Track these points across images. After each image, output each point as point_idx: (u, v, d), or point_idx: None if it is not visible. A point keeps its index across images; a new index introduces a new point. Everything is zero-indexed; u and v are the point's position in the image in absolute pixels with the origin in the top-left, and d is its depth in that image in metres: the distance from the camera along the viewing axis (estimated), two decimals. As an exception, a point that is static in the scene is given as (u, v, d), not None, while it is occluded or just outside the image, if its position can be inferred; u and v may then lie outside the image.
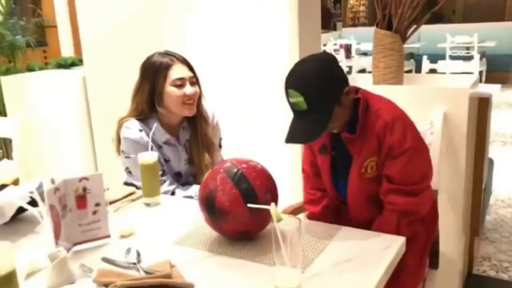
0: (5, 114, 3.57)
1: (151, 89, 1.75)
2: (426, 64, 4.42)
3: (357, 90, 1.41)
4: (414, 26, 2.19)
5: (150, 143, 1.64)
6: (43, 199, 1.45)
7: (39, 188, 1.46)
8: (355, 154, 1.43)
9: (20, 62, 3.96)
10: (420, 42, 7.75)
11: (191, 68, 1.79)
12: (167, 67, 1.74)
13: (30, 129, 3.18)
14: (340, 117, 1.38)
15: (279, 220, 1.05)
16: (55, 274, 1.10)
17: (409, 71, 5.94)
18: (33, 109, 3.23)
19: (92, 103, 3.00)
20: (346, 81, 1.38)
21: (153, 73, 1.74)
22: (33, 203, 1.49)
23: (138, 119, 1.78)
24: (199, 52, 2.39)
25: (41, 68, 4.09)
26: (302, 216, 1.62)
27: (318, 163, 1.55)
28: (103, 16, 2.80)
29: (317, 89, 1.30)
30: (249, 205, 1.17)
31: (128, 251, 1.24)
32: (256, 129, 2.36)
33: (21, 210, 1.47)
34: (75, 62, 4.34)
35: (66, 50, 6.50)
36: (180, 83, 1.73)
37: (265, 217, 1.26)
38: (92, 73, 2.93)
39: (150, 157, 1.59)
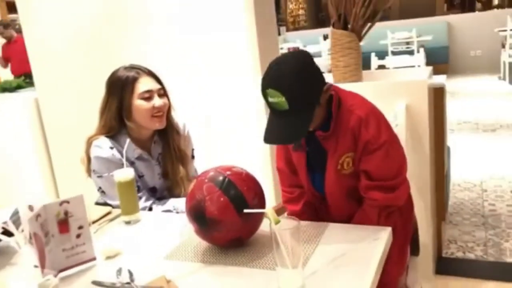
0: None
1: (119, 104, 1.71)
2: (374, 61, 4.60)
3: (330, 86, 1.41)
4: (369, 24, 2.27)
5: (124, 160, 1.60)
6: (17, 228, 1.39)
7: (13, 216, 1.40)
8: (330, 151, 1.44)
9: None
10: (363, 40, 8.00)
11: (158, 80, 1.76)
12: (134, 80, 1.71)
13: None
14: (319, 116, 1.37)
15: (277, 222, 1.05)
16: (48, 304, 1.05)
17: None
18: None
19: (47, 125, 2.88)
20: (323, 79, 1.37)
21: (119, 87, 1.71)
22: (5, 233, 1.42)
23: (108, 136, 1.73)
24: (160, 64, 2.36)
25: (-16, 93, 3.88)
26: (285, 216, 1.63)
27: (293, 160, 1.56)
28: (53, 36, 2.70)
29: (299, 89, 1.28)
30: (245, 210, 1.17)
31: (119, 271, 1.21)
32: (225, 135, 2.36)
33: (-6, 242, 1.40)
34: (21, 85, 4.16)
35: (3, 73, 6.22)
36: (148, 96, 1.71)
37: (256, 221, 1.27)
38: (45, 95, 2.83)
39: (127, 174, 1.55)
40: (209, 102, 2.36)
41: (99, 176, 1.72)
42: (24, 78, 4.34)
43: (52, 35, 2.69)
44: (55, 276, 1.21)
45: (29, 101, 2.95)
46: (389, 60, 4.58)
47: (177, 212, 1.72)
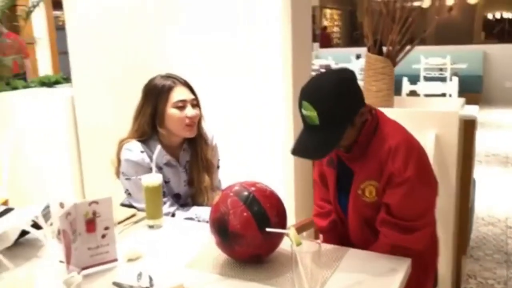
0: (-13, 134, 3.49)
1: (153, 110, 1.77)
2: (406, 86, 4.56)
3: (370, 110, 1.40)
4: (406, 49, 2.27)
5: (154, 166, 1.64)
6: (46, 221, 1.44)
7: (44, 210, 1.45)
8: (355, 173, 1.43)
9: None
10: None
11: (192, 91, 1.81)
12: (169, 89, 1.76)
13: (14, 148, 3.12)
14: (349, 137, 1.36)
15: (298, 244, 1.07)
16: (71, 300, 1.09)
17: (387, 92, 6.11)
18: (17, 128, 3.17)
19: (80, 123, 2.97)
20: (362, 101, 1.36)
21: (155, 95, 1.76)
22: (35, 226, 1.47)
23: (139, 141, 1.79)
24: (192, 72, 2.42)
25: (24, 86, 4.02)
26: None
27: (326, 175, 1.56)
28: (94, 35, 2.79)
29: (332, 107, 1.28)
30: (268, 229, 1.19)
31: (140, 275, 1.24)
32: (253, 146, 2.39)
33: (23, 233, 1.45)
34: (59, 80, 4.29)
35: (45, 68, 6.43)
36: (181, 105, 1.76)
37: (277, 239, 1.29)
38: (81, 93, 2.92)
39: (155, 179, 1.59)
40: (237, 111, 2.40)
41: (127, 179, 1.77)
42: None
43: (93, 35, 2.78)
44: (79, 273, 1.25)
45: (65, 98, 3.04)
46: (421, 86, 4.54)
47: (199, 221, 1.75)
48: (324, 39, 12.53)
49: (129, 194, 1.80)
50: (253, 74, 2.36)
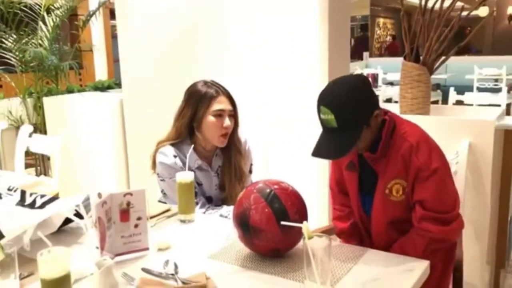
0: (45, 132, 3.76)
1: (193, 114, 1.85)
2: (452, 96, 4.47)
3: (385, 112, 1.47)
4: (442, 59, 2.27)
5: (186, 168, 1.74)
6: (87, 212, 1.57)
7: (85, 201, 1.58)
8: (380, 174, 1.48)
9: (60, 84, 4.19)
10: (447, 73, 7.78)
11: (232, 103, 1.88)
12: (212, 97, 1.84)
13: (68, 147, 3.35)
14: (366, 138, 1.43)
15: (310, 237, 1.12)
16: (101, 281, 1.19)
17: (436, 102, 5.97)
18: (72, 128, 3.40)
19: (128, 125, 3.15)
20: (377, 104, 1.44)
21: (197, 100, 1.85)
22: (77, 215, 1.60)
23: (174, 144, 1.88)
24: (232, 79, 2.52)
25: (79, 90, 4.30)
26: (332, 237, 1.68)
27: (345, 180, 1.61)
28: (143, 43, 2.96)
29: (348, 110, 1.37)
30: (282, 222, 1.25)
31: (166, 263, 1.33)
32: (284, 149, 2.45)
33: (67, 221, 1.58)
34: (111, 85, 4.56)
35: (100, 73, 6.79)
36: (220, 114, 1.83)
37: (296, 236, 1.34)
38: (130, 97, 3.09)
39: (187, 176, 1.69)
40: (272, 115, 2.47)
41: (162, 180, 1.88)
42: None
43: (142, 44, 2.95)
44: (112, 258, 1.36)
45: (115, 101, 3.23)
46: (468, 96, 4.43)
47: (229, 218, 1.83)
48: (394, 48, 12.36)
49: (164, 194, 1.91)
50: (291, 82, 2.43)
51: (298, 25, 2.37)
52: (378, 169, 1.49)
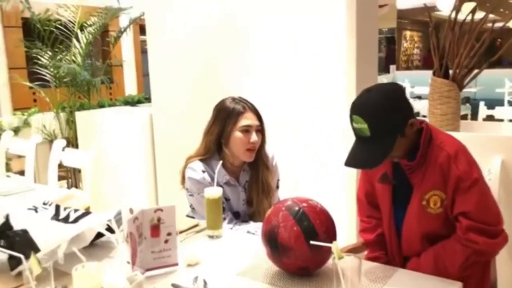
0: (77, 146, 3.87)
1: (221, 130, 1.89)
2: (482, 110, 4.38)
3: (421, 122, 1.45)
4: (472, 74, 2.24)
5: (214, 183, 1.76)
6: (119, 227, 1.60)
7: (116, 216, 1.61)
8: (416, 185, 1.45)
9: (92, 98, 4.31)
10: (477, 86, 7.64)
11: (259, 118, 1.91)
12: (239, 113, 1.87)
13: (98, 161, 3.43)
14: (401, 147, 1.41)
15: (340, 258, 1.12)
16: (132, 295, 1.22)
17: (465, 116, 5.88)
18: (102, 142, 3.49)
19: (157, 139, 3.21)
20: (411, 113, 1.41)
21: (225, 116, 1.88)
22: (109, 230, 1.63)
23: (202, 160, 1.92)
24: (258, 96, 2.55)
25: (110, 105, 4.41)
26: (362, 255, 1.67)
27: (376, 192, 1.59)
28: (172, 58, 3.03)
29: (382, 119, 1.35)
30: (312, 242, 1.25)
31: (196, 279, 1.34)
32: (313, 167, 2.45)
33: (99, 235, 1.62)
34: (140, 100, 4.66)
35: (130, 88, 6.95)
36: (247, 129, 1.86)
37: (325, 254, 1.34)
38: (159, 112, 3.15)
39: (216, 192, 1.71)
40: (301, 135, 2.48)
41: (191, 195, 1.92)
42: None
43: (171, 58, 3.02)
44: (142, 273, 1.39)
45: (145, 116, 3.30)
46: (499, 111, 4.33)
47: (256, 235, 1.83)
48: (430, 62, 12.28)
49: (193, 209, 1.94)
50: (319, 98, 2.44)
51: (326, 39, 2.39)
52: (414, 180, 1.46)
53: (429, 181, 1.43)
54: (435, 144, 1.43)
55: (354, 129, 1.40)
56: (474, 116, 5.11)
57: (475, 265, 1.46)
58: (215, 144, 1.91)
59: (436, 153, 1.41)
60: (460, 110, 2.30)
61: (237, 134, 1.86)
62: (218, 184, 1.86)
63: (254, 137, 1.86)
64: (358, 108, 1.38)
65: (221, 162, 1.85)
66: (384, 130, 1.36)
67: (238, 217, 1.96)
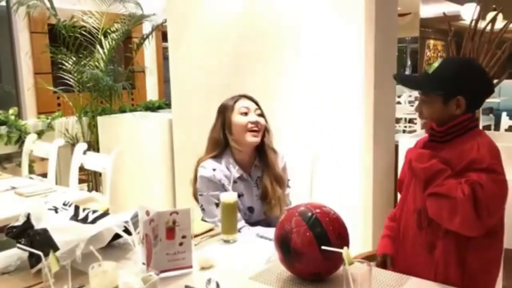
0: (98, 150, 3.94)
1: (223, 121, 1.97)
2: (505, 121, 4.31)
3: (473, 116, 1.48)
4: (495, 82, 2.22)
5: (227, 180, 1.81)
6: (135, 229, 1.63)
7: (133, 218, 1.65)
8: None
9: (114, 103, 4.40)
10: (500, 97, 7.52)
11: (256, 103, 2.00)
12: (235, 101, 1.98)
13: (119, 164, 3.49)
14: (437, 110, 1.46)
15: (350, 263, 1.13)
16: (146, 296, 1.24)
17: (488, 127, 5.78)
18: (123, 146, 3.55)
19: (176, 144, 3.25)
20: (469, 98, 1.44)
21: (224, 109, 1.99)
22: (126, 231, 1.67)
23: (213, 158, 1.96)
24: (279, 101, 2.57)
25: (131, 110, 4.49)
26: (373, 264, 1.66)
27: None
28: (192, 65, 3.08)
29: (450, 72, 1.44)
30: (323, 247, 1.26)
31: (209, 281, 1.36)
32: (329, 174, 2.46)
33: (116, 236, 1.65)
34: (161, 105, 4.72)
35: (152, 94, 7.04)
36: (245, 111, 1.94)
37: (337, 261, 1.34)
38: (178, 117, 3.20)
39: (231, 197, 1.73)
40: (317, 135, 2.50)
41: (201, 195, 1.96)
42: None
43: (192, 65, 3.07)
44: (157, 274, 1.41)
45: (165, 121, 3.36)
46: (522, 122, 4.27)
47: (261, 237, 1.84)
48: None
49: (203, 209, 1.97)
50: (335, 104, 2.46)
51: (346, 53, 2.40)
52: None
53: (444, 157, 1.43)
54: (470, 136, 1.45)
55: (424, 69, 1.51)
56: (498, 127, 5.03)
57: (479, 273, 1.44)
58: (221, 137, 1.97)
59: (468, 139, 1.44)
60: (480, 119, 2.28)
61: (237, 117, 1.94)
62: (231, 180, 1.87)
63: (253, 117, 1.93)
64: (447, 58, 1.53)
65: (232, 160, 1.92)
66: (441, 80, 1.43)
67: (252, 212, 1.99)
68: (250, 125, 1.92)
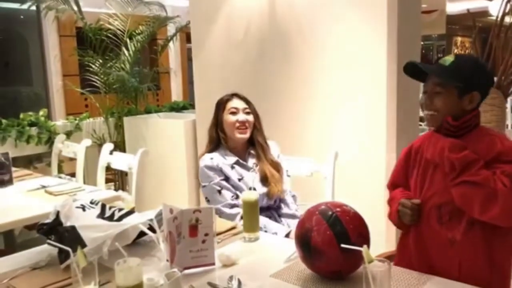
0: (124, 150, 4.03)
1: (215, 120, 2.15)
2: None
3: (479, 114, 1.51)
4: (518, 82, 2.18)
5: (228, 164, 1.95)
6: (160, 227, 1.67)
7: (158, 216, 1.69)
8: None
9: (139, 104, 4.48)
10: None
11: (247, 102, 2.15)
12: (227, 100, 2.15)
13: (144, 164, 3.56)
14: (448, 104, 1.47)
15: (370, 261, 1.13)
16: (170, 291, 1.27)
17: None
18: (148, 146, 3.62)
19: (200, 144, 3.30)
20: (482, 94, 1.48)
21: (217, 107, 2.17)
22: (151, 229, 1.71)
23: (210, 152, 2.11)
24: (301, 100, 2.58)
25: (156, 111, 4.56)
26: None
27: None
28: (215, 66, 3.12)
29: (464, 68, 1.46)
30: (342, 245, 1.27)
31: (231, 278, 1.39)
32: (353, 174, 2.46)
33: (141, 234, 1.69)
34: (185, 106, 4.78)
35: (176, 95, 7.14)
36: (234, 111, 2.10)
37: (357, 259, 1.35)
38: (202, 117, 3.25)
39: (252, 195, 1.75)
40: (340, 134, 2.50)
41: (203, 186, 2.07)
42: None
43: (215, 66, 3.10)
44: (180, 271, 1.45)
45: (189, 121, 3.41)
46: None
47: (265, 231, 1.93)
48: None
49: (208, 200, 2.08)
50: (359, 104, 2.45)
51: (367, 46, 2.40)
52: None
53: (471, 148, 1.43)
54: (481, 131, 1.48)
55: (438, 62, 1.50)
56: None
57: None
58: (216, 134, 2.13)
59: (482, 134, 1.47)
60: (506, 118, 2.24)
61: (227, 117, 2.11)
62: (230, 165, 2.06)
63: (241, 116, 2.09)
64: (462, 55, 1.51)
65: (226, 150, 2.09)
66: (456, 75, 1.44)
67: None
68: (238, 124, 2.08)
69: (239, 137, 2.10)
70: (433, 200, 1.52)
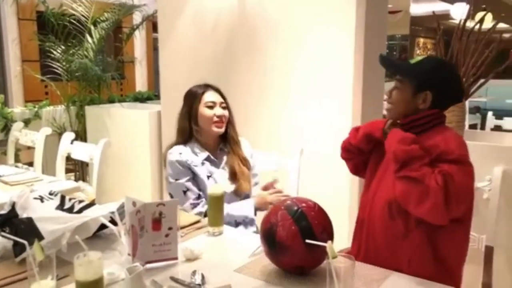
0: (85, 140, 3.92)
1: (189, 109, 2.07)
2: (490, 120, 4.38)
3: (443, 115, 1.55)
4: (478, 83, 2.25)
5: (197, 161, 1.91)
6: (121, 219, 1.63)
7: (120, 209, 1.65)
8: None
9: (102, 93, 4.37)
10: (487, 96, 7.61)
11: (222, 96, 2.11)
12: (203, 92, 2.08)
13: (106, 155, 3.48)
14: (405, 101, 1.53)
15: (334, 257, 1.14)
16: (131, 286, 1.25)
17: (474, 125, 5.85)
18: (110, 136, 3.54)
19: (164, 136, 3.25)
20: (439, 97, 1.52)
21: (191, 97, 2.09)
22: (112, 222, 1.67)
23: (180, 145, 2.06)
24: (268, 96, 2.57)
25: (120, 100, 4.46)
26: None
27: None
28: (182, 57, 3.07)
29: (427, 68, 1.52)
30: (307, 241, 1.27)
31: (194, 273, 1.38)
32: (317, 171, 2.48)
33: (102, 227, 1.65)
34: (150, 96, 4.70)
35: (141, 85, 7.01)
36: (211, 105, 2.05)
37: (321, 254, 1.35)
38: (167, 109, 3.19)
39: (218, 189, 1.74)
40: (306, 131, 2.52)
41: (170, 182, 2.03)
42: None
43: (182, 56, 3.06)
44: (142, 265, 1.42)
45: (153, 112, 3.35)
46: (507, 121, 4.32)
47: (235, 221, 1.96)
48: None
49: (172, 197, 2.03)
50: (323, 98, 2.47)
51: (334, 42, 2.41)
52: None
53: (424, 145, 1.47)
54: (437, 131, 1.51)
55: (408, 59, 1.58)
56: (483, 126, 5.10)
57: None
58: (187, 126, 2.07)
59: (437, 133, 1.50)
60: (465, 119, 2.31)
61: (203, 110, 2.04)
62: (200, 162, 2.02)
63: (218, 110, 2.04)
64: (432, 56, 1.56)
65: (196, 144, 2.04)
66: (419, 74, 1.51)
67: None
68: (215, 119, 2.04)
69: (215, 131, 2.05)
70: (387, 195, 1.55)
